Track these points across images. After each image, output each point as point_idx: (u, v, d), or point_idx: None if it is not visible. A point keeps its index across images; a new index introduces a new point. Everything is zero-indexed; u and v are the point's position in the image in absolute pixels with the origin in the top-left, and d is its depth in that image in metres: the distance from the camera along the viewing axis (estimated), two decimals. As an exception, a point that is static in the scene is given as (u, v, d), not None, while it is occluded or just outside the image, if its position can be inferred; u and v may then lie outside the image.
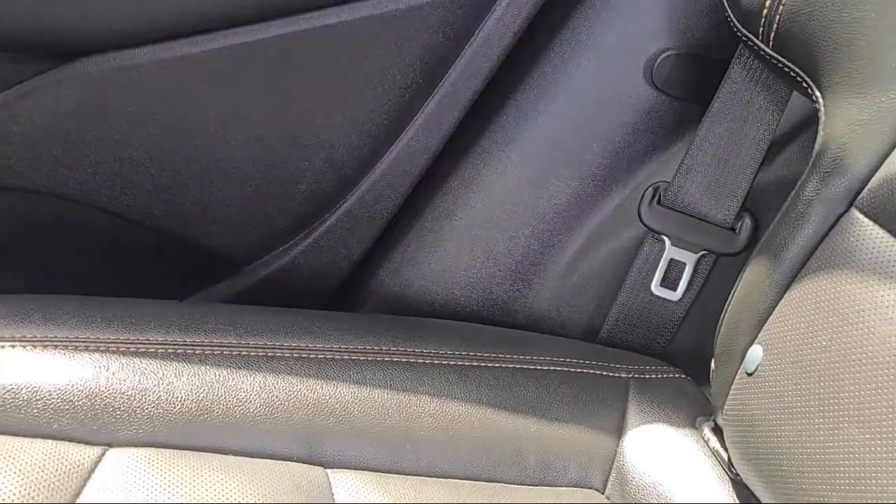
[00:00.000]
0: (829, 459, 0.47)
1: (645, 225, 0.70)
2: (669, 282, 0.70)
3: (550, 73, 0.70)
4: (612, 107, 0.70)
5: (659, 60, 0.68)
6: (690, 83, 0.68)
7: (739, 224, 0.68)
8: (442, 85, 0.68)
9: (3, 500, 0.44)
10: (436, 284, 0.73)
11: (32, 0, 0.56)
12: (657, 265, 0.70)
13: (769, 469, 0.52)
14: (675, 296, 0.70)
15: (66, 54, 0.59)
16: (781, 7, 0.53)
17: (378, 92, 0.66)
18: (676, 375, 0.67)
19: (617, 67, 0.69)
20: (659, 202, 0.69)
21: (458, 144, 0.72)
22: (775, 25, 0.54)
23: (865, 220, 0.49)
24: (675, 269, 0.70)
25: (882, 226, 0.48)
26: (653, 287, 0.70)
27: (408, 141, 0.69)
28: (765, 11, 0.54)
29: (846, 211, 0.50)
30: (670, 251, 0.69)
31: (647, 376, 0.66)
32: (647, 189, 0.70)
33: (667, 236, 0.69)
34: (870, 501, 0.44)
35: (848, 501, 0.46)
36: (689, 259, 0.69)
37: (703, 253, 0.69)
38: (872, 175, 0.49)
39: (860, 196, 0.50)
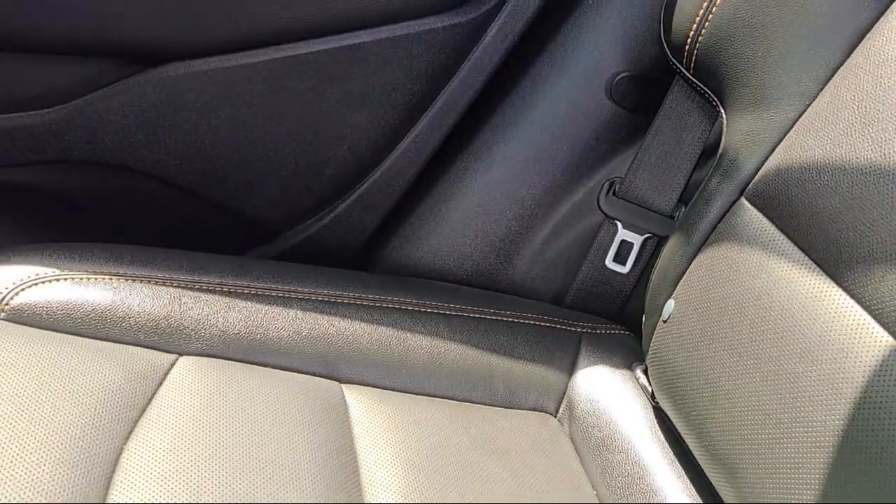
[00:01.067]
0: (720, 386, 0.63)
1: (602, 212, 0.85)
2: (621, 258, 0.86)
3: (530, 88, 0.86)
4: (580, 116, 0.86)
5: (616, 80, 0.83)
6: (641, 99, 0.84)
7: (677, 213, 0.84)
8: (443, 94, 0.84)
9: (110, 384, 0.60)
10: (433, 256, 0.89)
11: (132, 21, 0.72)
12: (611, 244, 0.86)
13: (678, 396, 0.67)
14: (625, 269, 0.86)
15: (152, 61, 0.76)
16: (697, 45, 0.68)
17: (392, 98, 0.82)
18: (621, 332, 0.83)
19: (584, 85, 0.85)
20: (614, 194, 0.85)
21: (456, 142, 0.88)
22: (693, 58, 0.69)
23: (749, 206, 0.64)
24: (625, 248, 0.85)
25: (760, 210, 0.63)
26: (607, 262, 0.86)
27: (414, 138, 0.85)
28: (686, 47, 0.70)
29: (737, 199, 0.66)
30: (621, 233, 0.85)
31: (598, 331, 0.82)
32: (604, 183, 0.86)
33: (619, 221, 0.85)
34: (752, 420, 0.59)
35: (737, 420, 0.61)
36: (636, 240, 0.85)
37: (647, 235, 0.85)
38: (757, 172, 0.65)
39: (747, 188, 0.65)
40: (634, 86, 0.83)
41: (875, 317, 0.51)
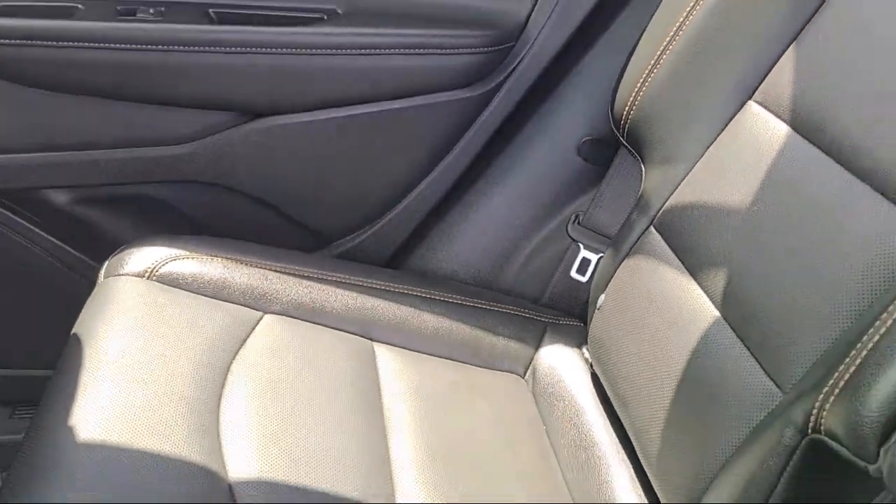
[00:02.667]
0: (628, 354, 0.90)
1: (570, 237, 1.14)
2: (581, 271, 1.14)
3: (521, 145, 1.15)
4: (556, 167, 1.15)
5: (582, 142, 1.13)
6: (599, 155, 1.12)
7: (623, 239, 1.12)
8: (457, 146, 1.14)
9: (222, 326, 0.89)
10: (446, 263, 1.18)
11: (242, 89, 1.04)
12: (575, 260, 1.14)
13: (604, 363, 0.95)
14: (584, 279, 1.13)
15: (254, 115, 1.07)
16: (629, 120, 0.97)
17: (419, 148, 1.13)
18: (577, 324, 1.10)
19: (559, 145, 1.14)
20: (578, 223, 1.14)
21: (465, 182, 1.17)
22: (626, 128, 0.98)
23: (655, 232, 0.92)
24: (585, 263, 1.13)
25: (660, 234, 0.91)
26: (572, 273, 1.14)
27: (434, 177, 1.15)
28: (622, 121, 0.98)
29: (647, 227, 0.94)
30: (583, 252, 1.13)
31: (560, 322, 1.10)
32: (572, 215, 1.14)
33: (581, 244, 1.13)
34: (645, 376, 0.86)
35: (637, 376, 0.87)
36: (593, 258, 1.13)
37: (601, 255, 1.13)
38: (661, 209, 0.93)
39: (654, 220, 0.93)
40: (595, 146, 1.12)
41: (711, 300, 0.79)
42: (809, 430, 0.58)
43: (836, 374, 0.57)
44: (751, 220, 0.79)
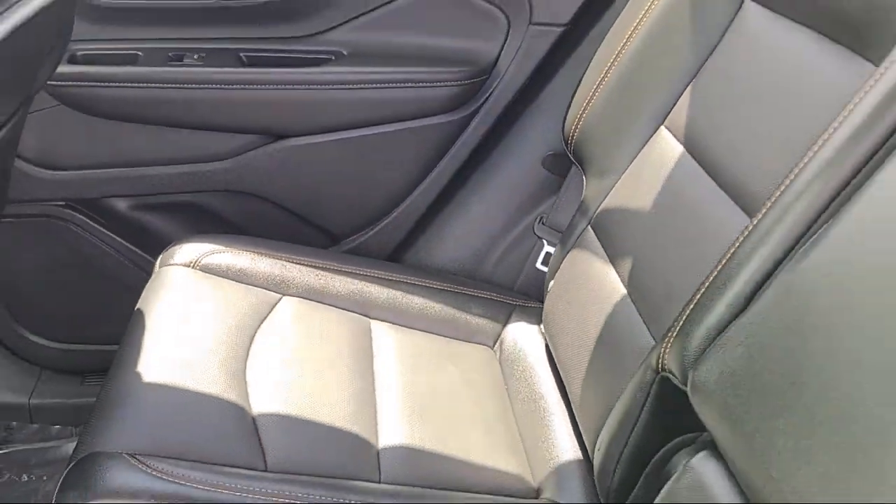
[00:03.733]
0: (568, 327, 1.12)
1: (536, 235, 1.37)
2: (545, 262, 1.36)
3: (497, 159, 1.38)
4: (526, 177, 1.38)
5: (546, 156, 1.35)
6: (560, 167, 1.35)
7: (579, 237, 1.34)
8: (442, 161, 1.37)
9: (248, 304, 1.13)
10: (434, 258, 1.42)
11: (269, 117, 1.28)
12: (539, 254, 1.37)
13: (551, 335, 1.17)
14: (547, 269, 1.36)
15: (279, 137, 1.32)
16: (574, 139, 1.19)
17: (411, 161, 1.36)
18: (540, 306, 1.33)
19: (528, 158, 1.37)
20: (543, 223, 1.36)
21: (451, 189, 1.41)
22: (572, 146, 1.21)
23: (591, 231, 1.15)
24: (548, 256, 1.36)
25: (595, 232, 1.13)
26: (537, 265, 1.37)
27: (424, 187, 1.38)
28: (569, 140, 1.21)
29: (586, 227, 1.16)
30: (546, 248, 1.36)
31: (527, 305, 1.32)
32: (538, 216, 1.37)
33: (545, 240, 1.36)
34: (573, 341, 1.09)
35: (571, 340, 1.10)
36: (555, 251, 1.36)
37: (562, 250, 1.35)
38: (596, 212, 1.15)
39: (591, 221, 1.15)
40: (556, 160, 1.35)
41: (621, 280, 1.02)
42: (659, 370, 0.81)
43: (675, 326, 0.79)
44: (651, 220, 1.01)
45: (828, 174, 0.70)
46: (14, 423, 1.46)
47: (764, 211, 0.75)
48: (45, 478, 1.40)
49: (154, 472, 0.81)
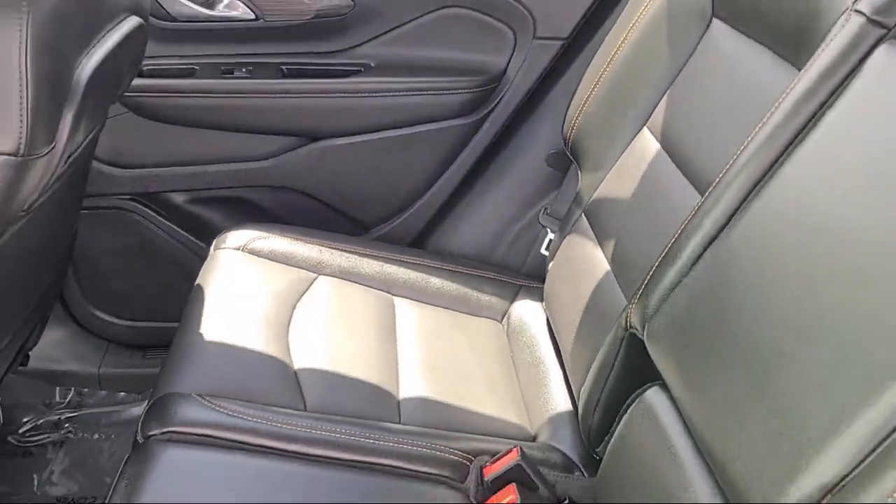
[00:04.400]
0: (566, 302, 1.30)
1: (540, 224, 1.54)
2: (549, 248, 1.53)
3: (507, 157, 1.56)
4: (531, 173, 1.55)
5: (549, 154, 1.53)
6: (561, 164, 1.52)
7: (579, 225, 1.51)
8: (458, 159, 1.55)
9: (288, 282, 1.32)
10: (452, 244, 1.59)
11: (309, 119, 1.47)
12: (544, 241, 1.54)
13: (551, 309, 1.34)
14: (548, 254, 1.53)
15: (315, 138, 1.51)
16: (571, 138, 1.36)
17: (431, 159, 1.54)
18: (543, 286, 1.50)
19: (534, 156, 1.54)
20: (547, 213, 1.53)
21: (466, 184, 1.58)
22: (570, 143, 1.38)
23: (584, 218, 1.32)
24: (551, 243, 1.53)
25: (587, 219, 1.30)
26: (542, 250, 1.54)
27: (443, 181, 1.56)
28: (567, 138, 1.38)
29: (580, 215, 1.33)
30: (549, 235, 1.53)
31: (531, 286, 1.49)
32: (543, 207, 1.54)
33: (549, 229, 1.53)
34: (567, 309, 1.26)
35: (565, 311, 1.27)
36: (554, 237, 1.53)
37: (563, 237, 1.52)
38: (589, 201, 1.32)
39: (585, 209, 1.32)
40: (558, 158, 1.52)
41: (605, 258, 1.18)
42: (627, 328, 0.97)
43: (638, 291, 0.96)
44: (630, 206, 1.18)
45: (754, 162, 0.86)
46: (86, 389, 1.67)
47: (707, 193, 0.91)
48: (112, 436, 1.60)
49: (216, 408, 1.00)
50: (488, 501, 1.00)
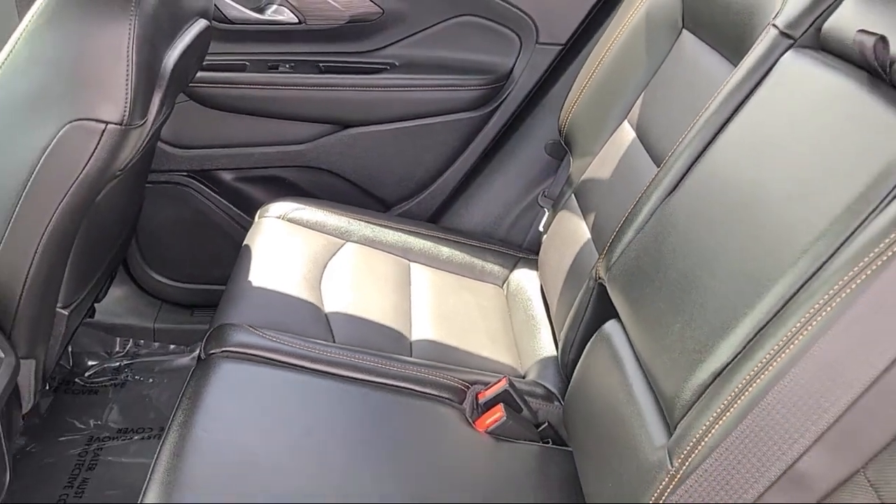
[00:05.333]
0: (556, 265, 1.52)
1: (539, 205, 1.76)
2: (545, 227, 1.76)
3: (511, 146, 1.79)
4: (533, 160, 1.78)
5: (548, 143, 1.75)
6: (558, 152, 1.74)
7: (572, 206, 1.73)
8: (469, 147, 1.78)
9: (321, 246, 1.56)
10: (463, 221, 1.82)
11: (341, 108, 1.71)
12: (542, 219, 1.76)
13: (543, 275, 1.56)
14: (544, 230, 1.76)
15: (345, 126, 1.75)
16: (565, 128, 1.59)
17: (446, 147, 1.78)
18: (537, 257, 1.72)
19: (534, 145, 1.77)
20: (545, 195, 1.75)
21: (476, 169, 1.81)
22: (564, 134, 1.60)
23: (573, 197, 1.54)
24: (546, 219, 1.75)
25: (576, 197, 1.53)
26: (540, 228, 1.76)
27: (455, 167, 1.80)
28: (562, 129, 1.60)
29: (570, 194, 1.55)
30: (547, 215, 1.75)
31: (529, 258, 1.71)
32: (542, 190, 1.76)
33: (546, 209, 1.75)
34: (553, 270, 1.48)
35: (553, 272, 1.50)
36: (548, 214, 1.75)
37: (558, 216, 1.74)
38: (578, 182, 1.54)
39: (574, 189, 1.55)
40: (555, 147, 1.75)
41: (587, 227, 1.41)
42: (596, 279, 1.20)
43: (605, 249, 1.18)
44: (609, 185, 1.41)
45: (695, 141, 1.09)
46: (141, 341, 1.91)
47: (660, 167, 1.14)
48: (165, 381, 1.85)
49: (262, 335, 1.23)
50: (481, 418, 1.23)
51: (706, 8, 1.31)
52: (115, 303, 1.89)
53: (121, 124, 1.04)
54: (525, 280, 1.65)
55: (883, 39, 0.80)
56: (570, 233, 1.48)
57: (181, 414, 1.07)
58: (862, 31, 0.83)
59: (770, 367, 0.75)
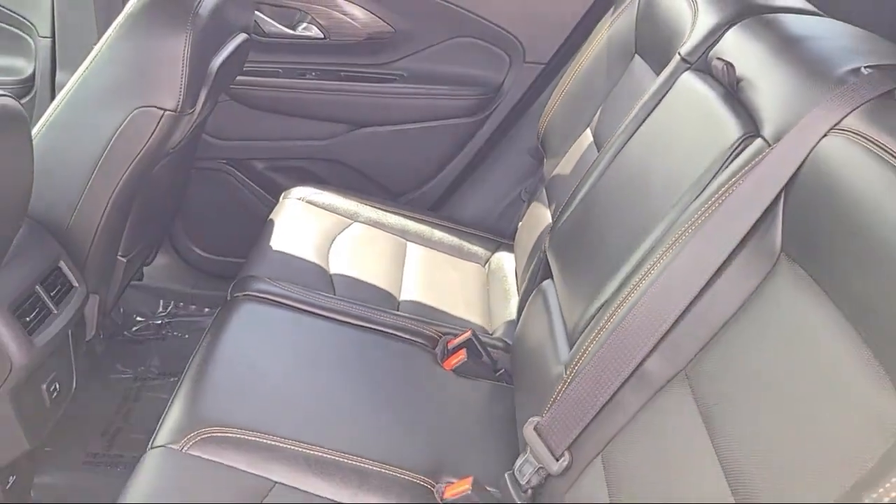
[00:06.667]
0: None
1: (522, 199, 2.05)
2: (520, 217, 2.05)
3: (500, 149, 2.10)
4: (518, 162, 2.08)
5: (530, 147, 2.05)
6: (538, 155, 2.04)
7: (549, 201, 2.02)
8: (464, 149, 2.09)
9: (330, 223, 1.87)
10: (458, 212, 2.13)
11: (358, 112, 2.04)
12: (527, 211, 2.05)
13: (516, 252, 1.86)
14: (519, 219, 2.05)
15: (360, 126, 2.07)
16: (542, 132, 1.89)
17: (443, 148, 2.09)
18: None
19: (520, 150, 2.07)
20: (526, 191, 2.05)
21: (469, 168, 2.12)
22: (540, 139, 1.90)
23: (544, 190, 1.83)
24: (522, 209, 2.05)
25: (545, 191, 1.82)
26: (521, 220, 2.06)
27: (452, 165, 2.10)
28: (539, 134, 1.90)
29: (541, 189, 1.85)
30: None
31: (510, 244, 2.01)
32: (524, 188, 2.06)
33: (526, 202, 2.05)
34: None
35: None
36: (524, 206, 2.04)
37: (537, 209, 2.04)
38: (548, 179, 1.84)
39: (545, 184, 1.84)
40: (537, 150, 2.04)
41: (551, 216, 1.70)
42: (544, 250, 1.49)
43: (553, 223, 1.47)
44: (567, 178, 1.70)
45: (621, 137, 1.38)
46: (181, 303, 2.24)
47: (597, 156, 1.43)
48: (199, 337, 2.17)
49: (277, 285, 1.55)
50: (448, 359, 1.52)
51: (649, 39, 1.60)
52: (160, 270, 2.23)
53: (175, 111, 1.37)
54: (504, 261, 1.94)
55: (730, 65, 1.08)
56: (536, 219, 1.78)
57: (209, 336, 1.39)
58: (719, 58, 1.11)
59: (630, 297, 1.05)
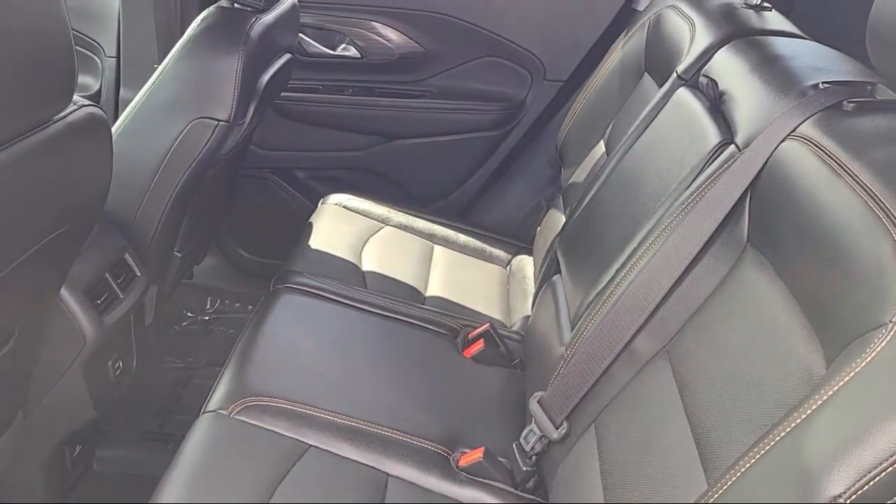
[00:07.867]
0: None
1: (542, 207, 2.20)
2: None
3: (523, 160, 2.25)
4: (539, 172, 2.24)
5: (550, 158, 2.20)
6: (557, 166, 2.19)
7: (567, 209, 2.17)
8: (489, 160, 2.26)
9: (365, 226, 2.04)
10: (483, 219, 2.29)
11: (386, 126, 2.21)
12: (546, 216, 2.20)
13: (535, 255, 2.01)
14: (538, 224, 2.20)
15: (392, 138, 2.25)
16: (560, 143, 2.04)
17: (470, 159, 2.25)
18: (540, 249, 2.17)
19: (541, 160, 2.23)
20: (546, 199, 2.20)
21: (493, 178, 2.28)
22: (559, 150, 2.05)
23: (560, 198, 1.99)
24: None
25: (562, 198, 1.97)
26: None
27: (477, 176, 2.27)
28: (558, 146, 2.06)
29: (558, 196, 2.00)
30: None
31: (530, 248, 2.16)
32: (545, 196, 2.21)
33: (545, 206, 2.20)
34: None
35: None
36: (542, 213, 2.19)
37: (556, 216, 2.19)
38: (566, 187, 1.99)
39: (562, 192, 1.99)
40: (555, 162, 2.19)
41: (565, 221, 1.86)
42: (555, 249, 1.64)
43: (564, 224, 1.62)
44: (581, 185, 1.85)
45: (623, 147, 1.53)
46: (227, 301, 2.43)
47: (604, 163, 1.58)
48: (242, 332, 2.35)
49: (314, 278, 1.72)
50: (467, 348, 1.68)
51: (655, 58, 1.75)
52: (208, 270, 2.41)
53: (228, 122, 1.55)
54: (524, 264, 2.09)
55: (713, 81, 1.23)
56: (552, 223, 1.93)
57: (255, 320, 1.57)
58: (704, 75, 1.26)
59: (621, 284, 1.19)
